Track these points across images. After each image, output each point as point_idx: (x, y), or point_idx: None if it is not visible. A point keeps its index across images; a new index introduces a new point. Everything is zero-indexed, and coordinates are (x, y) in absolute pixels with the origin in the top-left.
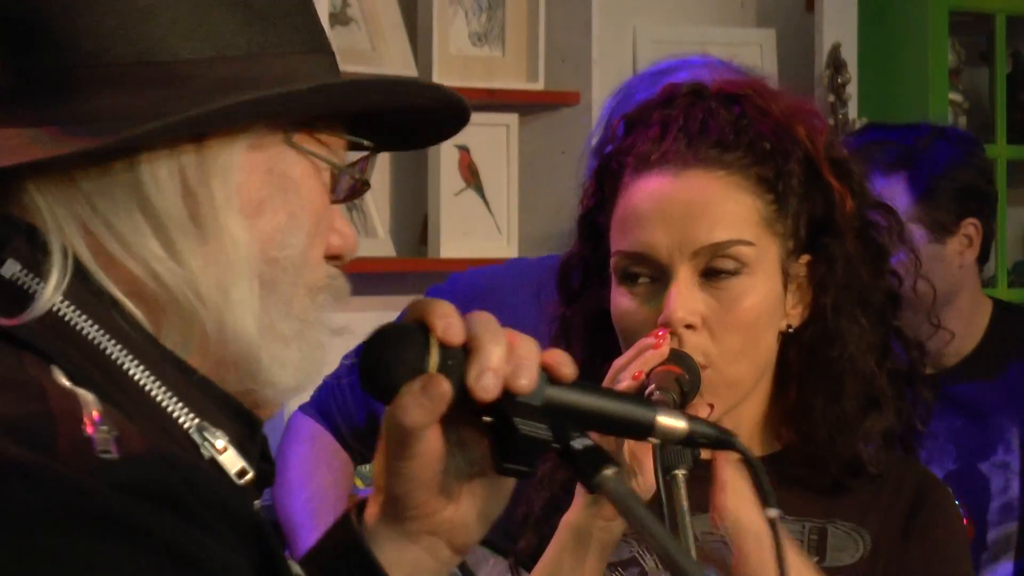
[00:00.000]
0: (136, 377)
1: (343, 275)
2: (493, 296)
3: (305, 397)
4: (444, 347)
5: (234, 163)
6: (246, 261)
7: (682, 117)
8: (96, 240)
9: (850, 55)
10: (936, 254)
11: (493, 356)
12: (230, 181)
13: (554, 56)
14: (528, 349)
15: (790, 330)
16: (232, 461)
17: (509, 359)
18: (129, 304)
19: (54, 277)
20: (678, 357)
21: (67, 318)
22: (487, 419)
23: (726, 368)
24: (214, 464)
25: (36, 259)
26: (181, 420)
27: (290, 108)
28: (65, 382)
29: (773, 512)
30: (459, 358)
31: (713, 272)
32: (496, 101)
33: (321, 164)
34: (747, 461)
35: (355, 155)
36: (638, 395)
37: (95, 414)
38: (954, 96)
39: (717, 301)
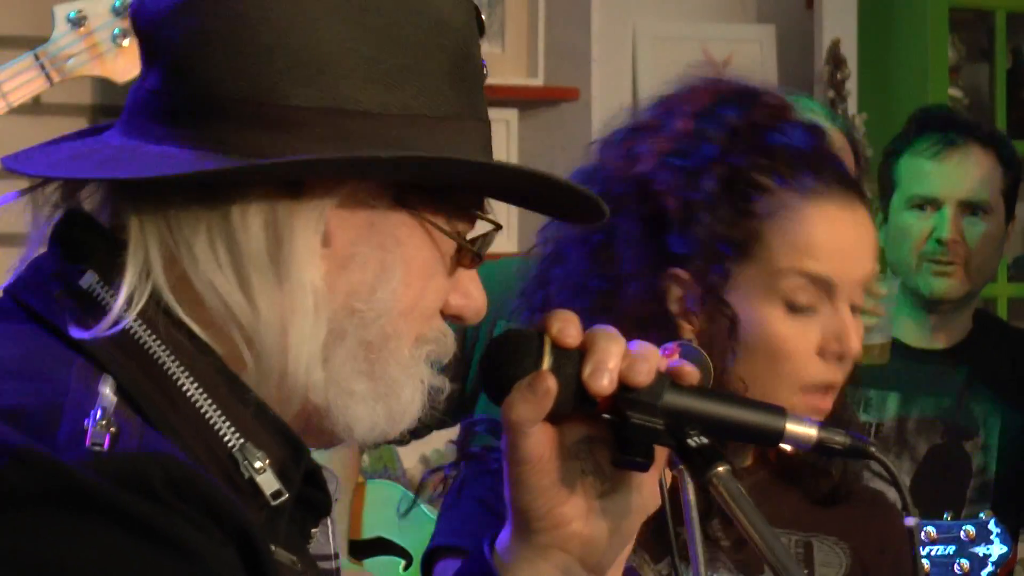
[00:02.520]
0: (189, 394)
1: (452, 335)
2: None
3: None
4: (560, 350)
5: (326, 213)
6: (315, 309)
7: (825, 151)
8: (177, 263)
9: (850, 51)
10: (1000, 235)
11: (606, 352)
12: (318, 230)
13: (554, 52)
14: (645, 347)
15: None
16: (268, 482)
17: (625, 356)
18: (195, 326)
19: (124, 293)
20: (689, 352)
21: (132, 332)
22: (606, 416)
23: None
24: (252, 484)
25: (114, 274)
26: (226, 439)
27: (369, 172)
28: (107, 391)
29: (911, 520)
30: (575, 359)
31: (857, 308)
32: (496, 97)
33: (438, 231)
34: (886, 469)
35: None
36: (766, 403)
37: (101, 412)
38: (954, 92)
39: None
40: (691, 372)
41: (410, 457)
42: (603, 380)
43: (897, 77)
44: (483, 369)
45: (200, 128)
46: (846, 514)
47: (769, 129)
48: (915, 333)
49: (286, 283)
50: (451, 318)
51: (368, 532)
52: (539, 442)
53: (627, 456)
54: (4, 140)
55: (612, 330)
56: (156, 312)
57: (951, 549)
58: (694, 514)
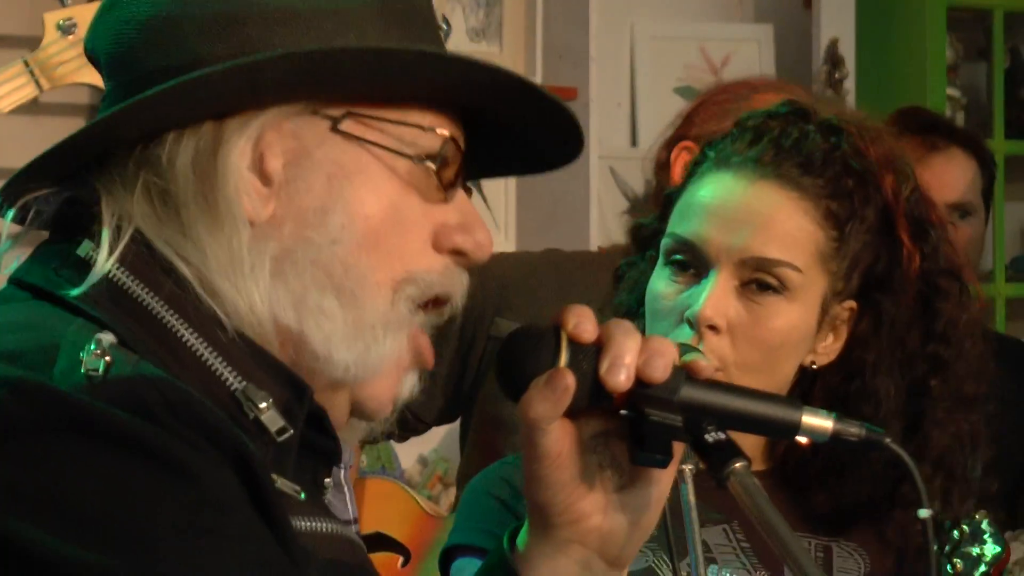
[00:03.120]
0: (186, 340)
1: (457, 271)
2: (526, 284)
3: None
4: (576, 345)
5: (250, 145)
6: (251, 239)
7: (778, 130)
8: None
9: (848, 50)
10: (981, 238)
11: (623, 347)
12: (243, 161)
13: (552, 53)
14: (661, 343)
15: (813, 366)
16: (272, 420)
17: (641, 351)
18: (188, 273)
19: (105, 247)
20: (687, 351)
21: (122, 284)
22: (623, 412)
23: (737, 380)
24: (257, 423)
25: (100, 236)
26: (228, 382)
27: (256, 81)
28: (107, 335)
29: (925, 513)
30: (591, 355)
31: (753, 284)
32: None
33: (388, 152)
34: (901, 463)
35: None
36: (782, 395)
37: (95, 343)
38: (952, 92)
39: (748, 312)
40: (706, 366)
41: (408, 457)
42: (620, 376)
43: (895, 76)
44: (499, 365)
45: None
46: (867, 523)
47: (743, 116)
48: None
49: (218, 220)
50: (452, 256)
51: (366, 527)
52: (557, 438)
53: (645, 453)
54: (2, 141)
55: (628, 324)
56: (149, 263)
57: (945, 548)
58: (693, 514)
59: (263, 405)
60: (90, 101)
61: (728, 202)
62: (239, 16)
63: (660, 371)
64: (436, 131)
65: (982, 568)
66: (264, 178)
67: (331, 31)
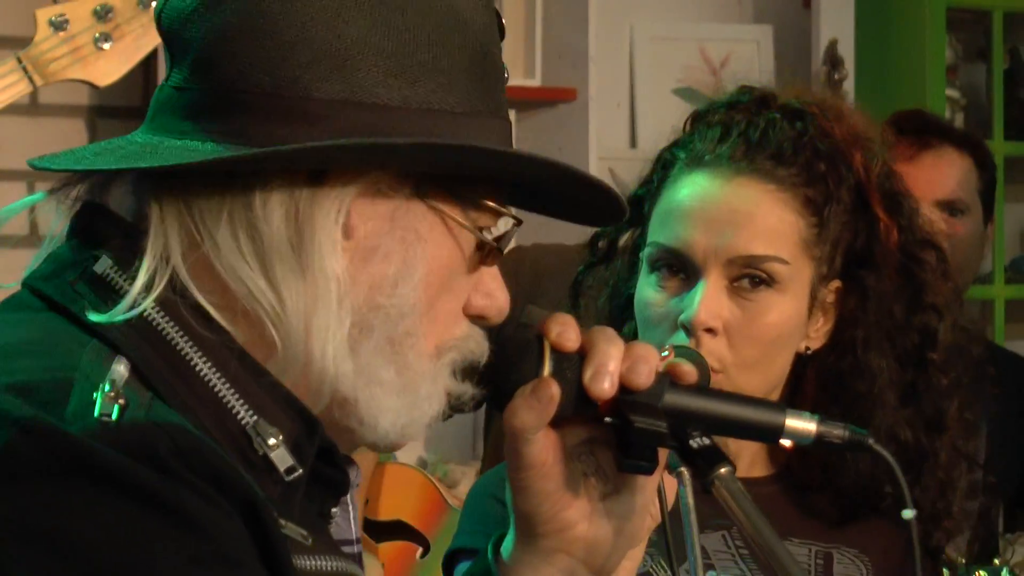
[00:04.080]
0: (202, 373)
1: (482, 335)
2: (561, 273)
3: None
4: (560, 354)
5: (346, 204)
6: (337, 299)
7: (745, 123)
8: (197, 250)
9: (847, 51)
10: (982, 239)
11: (606, 355)
12: (339, 220)
13: (551, 53)
14: (645, 349)
15: (808, 351)
16: (282, 458)
17: (625, 358)
18: (211, 309)
19: (142, 278)
20: (685, 352)
21: (146, 314)
22: (609, 420)
23: (738, 377)
24: (266, 460)
25: (130, 259)
26: (240, 416)
27: (388, 159)
28: (120, 368)
29: (909, 513)
30: (575, 363)
31: (743, 281)
32: None
33: (459, 226)
34: (884, 462)
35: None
36: (766, 399)
37: (110, 385)
38: (951, 92)
39: (742, 311)
40: (689, 371)
41: (407, 459)
42: (604, 383)
43: (895, 77)
44: (484, 375)
45: (222, 121)
46: (869, 528)
47: (700, 109)
48: None
49: (308, 273)
50: (474, 319)
51: (386, 514)
52: (542, 447)
53: (631, 460)
54: (2, 140)
55: (610, 332)
56: (172, 295)
57: None
58: (692, 518)
59: (272, 442)
60: (89, 101)
61: (707, 203)
62: (354, 58)
63: (644, 377)
64: (508, 215)
65: None
66: (346, 231)
67: (434, 88)
